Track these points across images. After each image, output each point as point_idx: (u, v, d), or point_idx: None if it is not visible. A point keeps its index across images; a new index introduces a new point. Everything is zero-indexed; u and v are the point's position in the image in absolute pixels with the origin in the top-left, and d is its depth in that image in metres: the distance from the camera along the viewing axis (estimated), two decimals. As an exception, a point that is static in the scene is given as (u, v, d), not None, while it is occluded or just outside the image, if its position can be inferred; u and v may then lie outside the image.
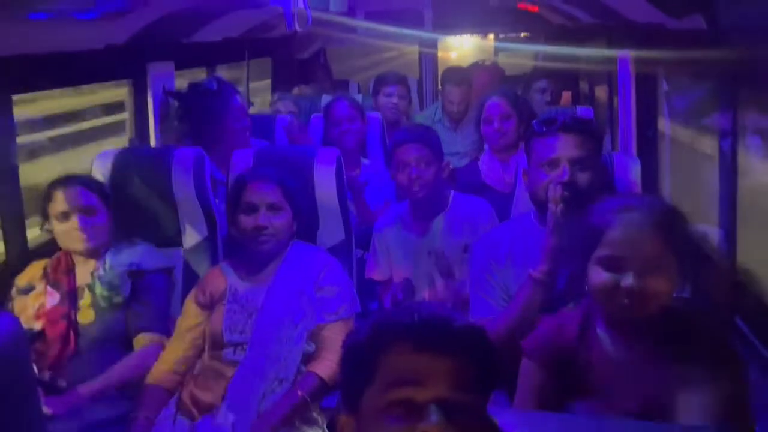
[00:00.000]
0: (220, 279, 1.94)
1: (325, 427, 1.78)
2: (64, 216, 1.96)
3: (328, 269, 1.93)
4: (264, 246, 1.90)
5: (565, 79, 4.10)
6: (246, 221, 1.90)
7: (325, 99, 3.81)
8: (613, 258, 1.23)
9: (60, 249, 2.03)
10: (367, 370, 0.88)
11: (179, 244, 2.26)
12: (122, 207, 2.09)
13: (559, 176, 1.64)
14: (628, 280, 1.21)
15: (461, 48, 6.16)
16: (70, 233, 1.96)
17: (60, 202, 1.96)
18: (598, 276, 1.25)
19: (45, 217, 1.99)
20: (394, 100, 3.49)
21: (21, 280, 1.98)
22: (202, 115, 2.55)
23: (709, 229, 2.04)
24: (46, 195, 1.98)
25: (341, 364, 0.95)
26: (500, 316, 1.69)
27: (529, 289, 1.64)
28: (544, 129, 1.70)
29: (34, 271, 2.00)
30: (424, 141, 2.21)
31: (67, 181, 2.01)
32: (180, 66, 2.96)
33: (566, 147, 1.66)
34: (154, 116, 2.72)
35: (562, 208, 1.61)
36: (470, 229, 2.17)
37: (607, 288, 1.23)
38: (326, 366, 1.78)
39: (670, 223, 1.25)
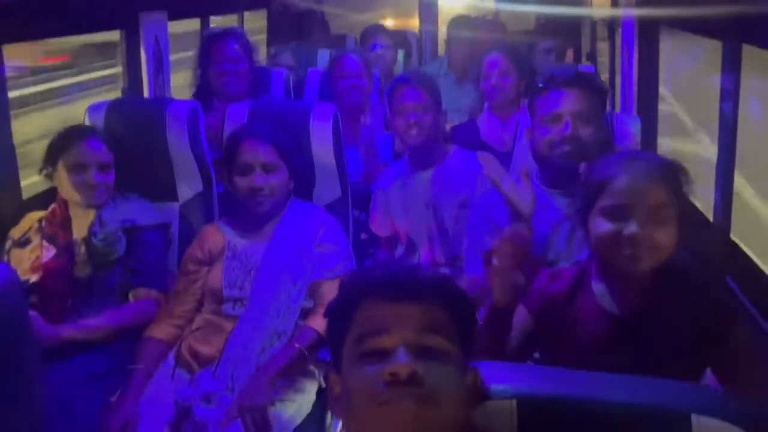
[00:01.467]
0: (218, 235, 1.94)
1: (321, 379, 1.81)
2: (80, 168, 1.94)
3: (326, 227, 1.93)
4: (261, 207, 1.89)
5: (567, 36, 4.03)
6: (241, 182, 1.88)
7: (322, 53, 3.75)
8: (617, 207, 1.23)
9: (54, 201, 2.02)
10: (342, 327, 0.92)
11: (175, 198, 2.24)
12: (116, 160, 2.07)
13: (561, 130, 1.64)
14: (631, 228, 1.20)
15: (460, 3, 6.05)
16: (82, 186, 1.94)
17: (78, 153, 1.93)
18: (602, 226, 1.25)
19: (52, 164, 1.95)
20: (380, 51, 3.55)
21: (16, 233, 1.98)
22: (202, 62, 2.65)
23: (705, 190, 2.05)
24: (60, 143, 1.95)
25: (327, 322, 0.99)
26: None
27: None
28: (546, 86, 1.69)
29: (29, 223, 1.99)
30: (423, 86, 2.21)
31: (87, 133, 1.98)
32: (173, 16, 2.89)
33: (568, 102, 1.65)
34: (147, 67, 2.67)
35: (564, 162, 1.62)
36: (468, 184, 2.17)
37: (610, 238, 1.23)
38: (322, 321, 1.79)
39: (673, 176, 1.26)
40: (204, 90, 2.67)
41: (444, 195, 2.20)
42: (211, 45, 2.63)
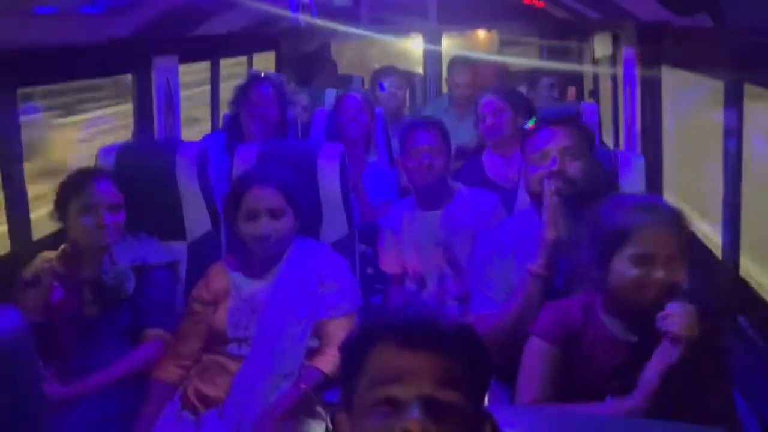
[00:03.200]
0: (223, 276, 1.95)
1: (328, 420, 1.79)
2: (90, 210, 1.95)
3: (331, 265, 1.94)
4: (266, 252, 1.91)
5: (569, 74, 4.09)
6: (247, 227, 1.89)
7: (329, 93, 3.83)
8: (645, 255, 1.36)
9: (65, 242, 2.04)
10: (357, 369, 0.90)
11: (183, 237, 2.26)
12: (126, 201, 2.09)
13: (549, 166, 1.68)
14: (659, 274, 1.34)
15: (465, 42, 6.16)
16: (92, 228, 1.95)
17: (88, 195, 1.95)
18: (630, 272, 1.37)
19: (63, 205, 1.97)
20: (392, 90, 3.68)
21: (27, 273, 1.99)
22: (237, 101, 2.85)
23: (712, 226, 2.05)
24: (70, 185, 1.98)
25: (340, 362, 0.97)
26: (500, 311, 1.70)
27: (527, 283, 1.65)
28: (534, 126, 1.78)
29: (39, 263, 2.01)
30: (436, 130, 2.31)
31: (97, 175, 2.01)
32: (184, 59, 2.96)
33: (554, 138, 1.72)
34: (158, 110, 2.73)
35: (555, 199, 1.66)
36: (477, 219, 2.20)
37: (637, 282, 1.36)
38: (328, 360, 1.79)
39: (685, 223, 1.42)
40: (234, 128, 2.84)
41: (455, 233, 2.24)
42: (248, 87, 2.82)
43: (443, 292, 2.24)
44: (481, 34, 5.89)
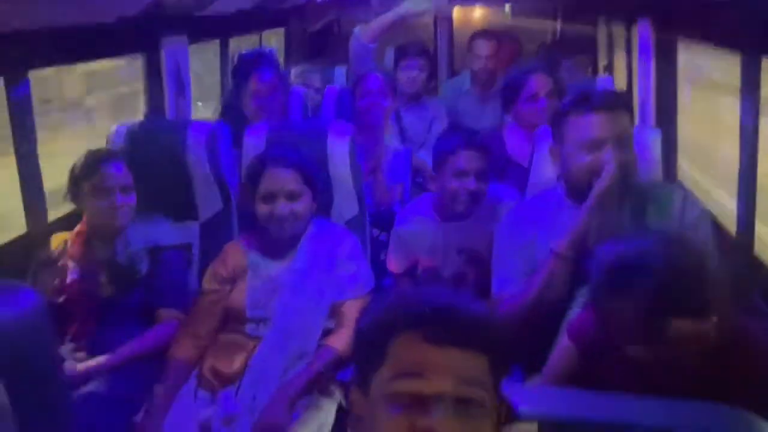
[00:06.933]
0: (240, 254, 1.94)
1: (342, 399, 1.81)
2: (104, 191, 1.96)
3: (349, 246, 1.93)
4: (285, 232, 1.89)
5: (583, 48, 4.02)
6: (265, 209, 1.88)
7: (339, 71, 3.78)
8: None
9: (79, 222, 2.05)
10: (377, 354, 0.87)
11: (195, 218, 2.28)
12: (138, 181, 2.10)
13: (604, 156, 1.59)
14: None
15: (476, 18, 6.07)
16: (106, 209, 1.97)
17: (101, 177, 1.96)
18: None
19: (76, 187, 1.99)
20: (414, 73, 3.31)
21: (42, 255, 2.01)
22: (236, 84, 2.72)
23: (728, 203, 2.01)
24: (83, 167, 1.98)
25: (355, 342, 0.96)
26: (522, 291, 1.68)
27: (551, 264, 1.62)
28: (579, 107, 1.65)
29: (55, 244, 2.03)
30: (486, 150, 2.03)
31: (110, 156, 2.02)
32: (193, 39, 2.94)
33: (608, 125, 1.60)
34: (168, 90, 2.72)
35: (607, 188, 1.58)
36: (499, 217, 2.00)
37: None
38: (342, 340, 1.80)
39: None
40: (231, 111, 2.71)
41: (479, 240, 2.06)
42: (248, 69, 2.66)
43: (461, 285, 2.10)
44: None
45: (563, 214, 1.70)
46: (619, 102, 1.66)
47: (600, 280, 1.20)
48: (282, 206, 1.86)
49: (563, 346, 1.38)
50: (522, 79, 2.50)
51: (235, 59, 2.86)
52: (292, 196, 1.87)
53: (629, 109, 1.68)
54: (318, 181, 1.95)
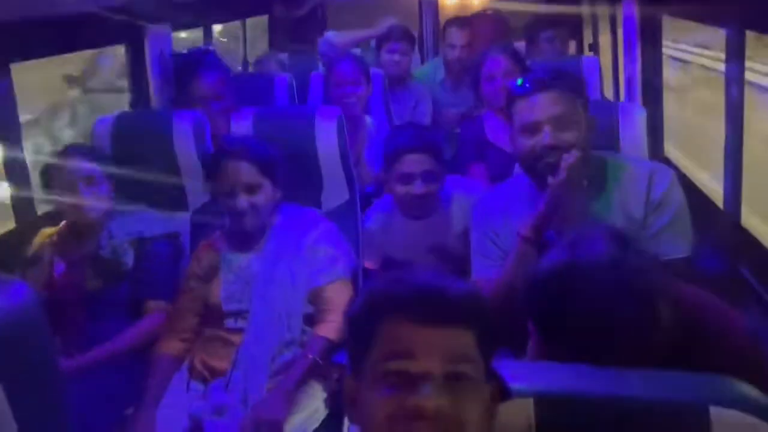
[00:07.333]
0: (212, 251, 1.93)
1: (335, 383, 1.82)
2: (66, 185, 1.94)
3: (321, 230, 1.91)
4: (247, 225, 1.87)
5: (568, 27, 4.00)
6: (225, 203, 1.87)
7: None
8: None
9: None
10: (367, 338, 0.89)
11: (185, 208, 2.26)
12: (124, 173, 2.09)
13: (542, 139, 1.57)
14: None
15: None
16: (71, 203, 1.94)
17: (62, 170, 1.94)
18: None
19: (45, 186, 1.97)
20: (396, 57, 3.30)
21: (29, 250, 2.00)
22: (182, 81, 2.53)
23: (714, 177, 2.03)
24: (44, 165, 1.96)
25: (346, 329, 0.97)
26: (497, 276, 1.68)
27: (518, 247, 1.62)
28: (519, 90, 1.63)
29: (41, 240, 2.02)
30: (432, 151, 1.99)
31: (66, 151, 1.99)
32: (177, 27, 2.91)
33: (544, 107, 1.57)
34: (153, 80, 2.69)
35: (570, 180, 1.54)
36: (467, 217, 1.96)
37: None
38: (332, 327, 1.79)
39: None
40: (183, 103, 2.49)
41: (446, 237, 2.07)
42: (192, 69, 2.50)
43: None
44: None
45: (528, 200, 1.68)
46: (556, 83, 1.60)
47: (536, 298, 1.10)
48: (241, 200, 1.83)
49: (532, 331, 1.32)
50: (479, 61, 2.55)
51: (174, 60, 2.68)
52: (250, 189, 1.84)
53: (574, 90, 1.62)
54: (277, 170, 1.91)
